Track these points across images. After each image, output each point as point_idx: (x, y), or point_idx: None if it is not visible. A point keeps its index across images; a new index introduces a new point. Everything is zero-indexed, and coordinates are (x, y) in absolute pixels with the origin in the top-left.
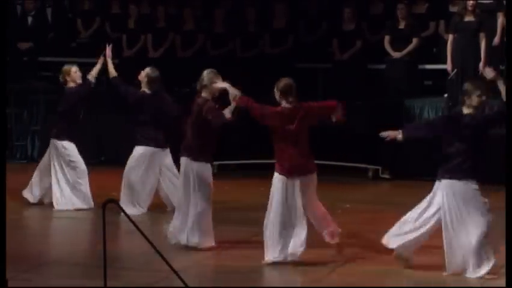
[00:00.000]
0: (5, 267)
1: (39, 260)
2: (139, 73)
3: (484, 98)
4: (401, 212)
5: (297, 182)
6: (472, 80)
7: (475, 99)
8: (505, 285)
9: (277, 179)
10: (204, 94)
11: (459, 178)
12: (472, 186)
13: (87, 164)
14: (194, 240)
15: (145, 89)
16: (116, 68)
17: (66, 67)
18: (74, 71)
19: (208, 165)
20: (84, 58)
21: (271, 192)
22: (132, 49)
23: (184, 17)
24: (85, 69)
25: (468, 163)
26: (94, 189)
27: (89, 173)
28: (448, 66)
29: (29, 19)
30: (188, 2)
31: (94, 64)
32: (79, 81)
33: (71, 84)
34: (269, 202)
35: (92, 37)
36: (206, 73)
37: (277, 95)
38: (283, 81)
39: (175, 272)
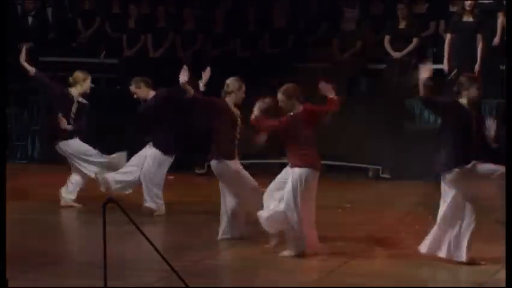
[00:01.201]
0: (5, 267)
1: (39, 260)
2: (139, 73)
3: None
4: (401, 212)
5: None
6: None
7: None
8: (505, 285)
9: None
10: (227, 99)
11: None
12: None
13: None
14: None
15: None
16: (116, 68)
17: (82, 75)
18: (88, 83)
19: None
20: (84, 58)
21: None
22: (132, 49)
23: (184, 17)
24: (85, 69)
25: None
26: (95, 189)
27: None
28: (444, 66)
29: (29, 19)
30: (188, 2)
31: (94, 64)
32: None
33: (77, 90)
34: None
35: (92, 37)
36: (231, 81)
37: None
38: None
39: (175, 272)
